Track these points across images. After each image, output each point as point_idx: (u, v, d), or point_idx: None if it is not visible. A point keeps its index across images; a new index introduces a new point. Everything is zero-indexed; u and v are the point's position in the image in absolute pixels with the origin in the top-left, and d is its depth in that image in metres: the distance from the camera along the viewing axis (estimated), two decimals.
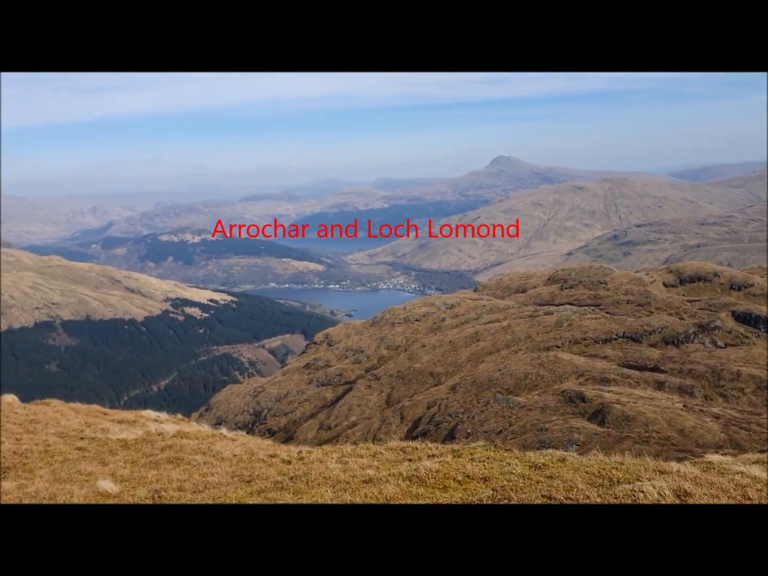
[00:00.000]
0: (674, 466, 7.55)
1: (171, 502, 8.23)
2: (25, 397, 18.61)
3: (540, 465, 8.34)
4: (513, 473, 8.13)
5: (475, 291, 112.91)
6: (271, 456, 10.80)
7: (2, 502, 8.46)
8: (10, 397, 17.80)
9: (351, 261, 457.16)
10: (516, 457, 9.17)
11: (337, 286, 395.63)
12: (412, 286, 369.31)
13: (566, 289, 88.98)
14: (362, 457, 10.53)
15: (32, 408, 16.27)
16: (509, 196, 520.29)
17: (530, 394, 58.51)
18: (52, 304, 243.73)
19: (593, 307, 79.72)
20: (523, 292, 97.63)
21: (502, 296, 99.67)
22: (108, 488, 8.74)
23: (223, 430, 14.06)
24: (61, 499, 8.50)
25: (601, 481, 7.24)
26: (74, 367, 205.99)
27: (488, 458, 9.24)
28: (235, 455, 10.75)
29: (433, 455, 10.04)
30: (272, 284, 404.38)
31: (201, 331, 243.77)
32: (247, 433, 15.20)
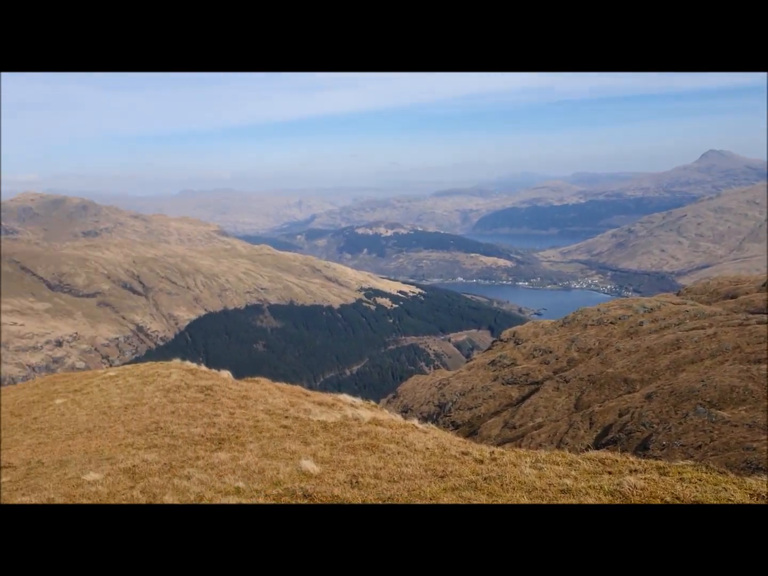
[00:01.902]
0: None
1: (367, 489, 8.41)
2: (236, 374, 20.33)
3: (763, 495, 7.33)
4: (731, 500, 7.23)
5: (677, 295, 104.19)
6: (464, 453, 10.67)
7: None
8: (225, 373, 19.58)
9: (542, 258, 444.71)
10: (733, 482, 8.15)
11: (527, 283, 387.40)
12: (608, 286, 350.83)
13: None
14: (558, 464, 10.03)
15: (244, 384, 17.68)
16: (721, 193, 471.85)
17: (736, 409, 52.70)
18: (261, 289, 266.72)
19: None
20: (732, 298, 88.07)
21: (708, 302, 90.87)
22: (310, 468, 9.17)
23: (415, 422, 14.21)
24: (268, 474, 9.07)
25: None
26: (278, 347, 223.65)
27: (700, 480, 8.32)
28: (428, 448, 10.76)
29: (635, 470, 9.27)
30: (460, 279, 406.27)
31: (390, 321, 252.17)
32: (431, 423, 15.21)
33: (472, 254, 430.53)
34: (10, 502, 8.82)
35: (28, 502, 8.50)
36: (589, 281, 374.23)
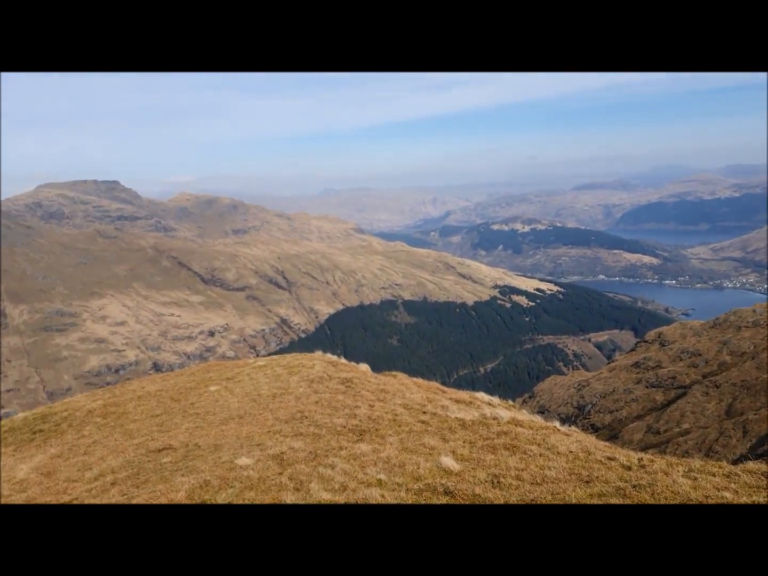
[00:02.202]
0: None
1: (509, 490, 8.25)
2: (371, 367, 20.71)
3: None
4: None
5: None
6: (609, 458, 10.16)
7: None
8: (364, 366, 20.04)
9: (691, 255, 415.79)
10: None
11: (674, 282, 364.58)
12: (765, 286, 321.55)
13: None
14: (714, 475, 9.27)
15: (381, 378, 18.00)
16: None
17: None
18: (396, 285, 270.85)
19: None
20: None
21: None
22: (450, 465, 9.13)
23: (556, 423, 13.77)
24: (409, 469, 9.14)
25: None
26: (412, 342, 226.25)
27: None
28: (571, 452, 10.36)
29: None
30: (601, 276, 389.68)
31: (527, 319, 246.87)
32: (570, 426, 14.63)
33: (615, 251, 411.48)
34: (171, 482, 9.54)
35: (186, 484, 9.15)
36: (744, 280, 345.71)
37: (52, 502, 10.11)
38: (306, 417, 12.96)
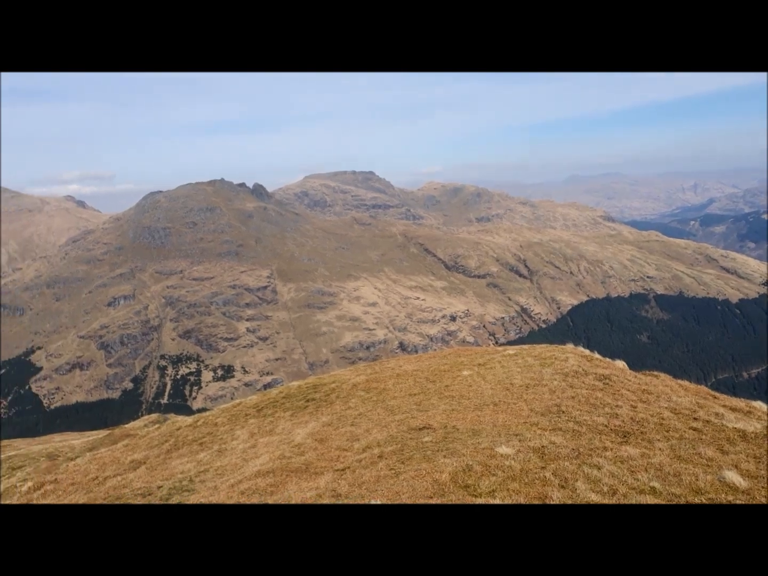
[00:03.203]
0: None
1: None
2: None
3: None
4: None
5: None
6: None
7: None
8: (620, 363, 18.93)
9: None
10: None
11: None
12: None
13: None
14: None
15: (642, 378, 16.82)
16: None
17: None
18: (647, 277, 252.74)
19: None
20: None
21: None
22: (736, 481, 8.20)
23: None
24: (686, 480, 8.39)
25: None
26: (664, 340, 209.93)
27: None
28: None
29: None
30: None
31: None
32: None
33: None
34: (434, 462, 9.90)
35: (449, 466, 9.42)
36: None
37: (326, 468, 11.10)
38: (563, 411, 12.59)
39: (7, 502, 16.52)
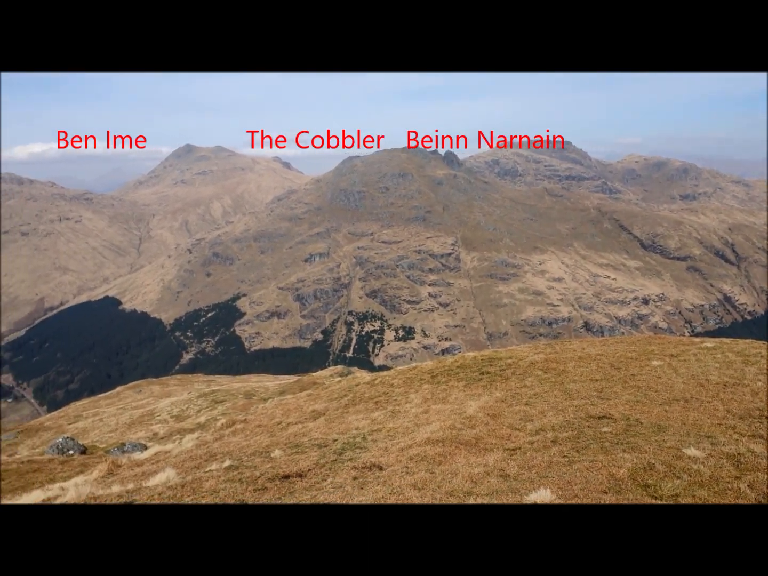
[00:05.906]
0: None
1: None
2: None
3: None
4: None
5: None
6: None
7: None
8: None
9: None
10: None
11: None
12: None
13: None
14: None
15: None
16: None
17: None
18: None
19: None
20: None
21: None
22: None
23: None
24: None
25: None
26: None
27: None
28: None
29: None
30: None
31: None
32: None
33: None
34: (612, 455, 9.34)
35: (629, 461, 8.84)
36: None
37: (496, 445, 10.96)
38: (765, 416, 11.26)
39: (204, 435, 18.43)
